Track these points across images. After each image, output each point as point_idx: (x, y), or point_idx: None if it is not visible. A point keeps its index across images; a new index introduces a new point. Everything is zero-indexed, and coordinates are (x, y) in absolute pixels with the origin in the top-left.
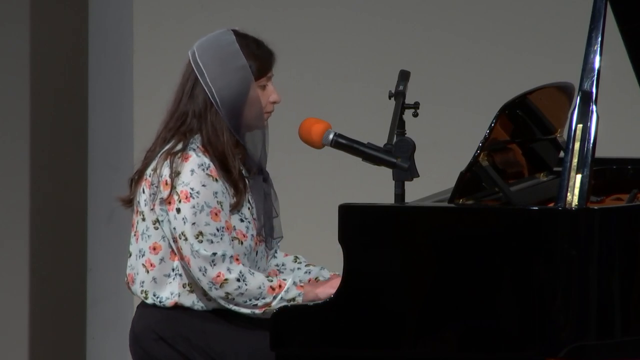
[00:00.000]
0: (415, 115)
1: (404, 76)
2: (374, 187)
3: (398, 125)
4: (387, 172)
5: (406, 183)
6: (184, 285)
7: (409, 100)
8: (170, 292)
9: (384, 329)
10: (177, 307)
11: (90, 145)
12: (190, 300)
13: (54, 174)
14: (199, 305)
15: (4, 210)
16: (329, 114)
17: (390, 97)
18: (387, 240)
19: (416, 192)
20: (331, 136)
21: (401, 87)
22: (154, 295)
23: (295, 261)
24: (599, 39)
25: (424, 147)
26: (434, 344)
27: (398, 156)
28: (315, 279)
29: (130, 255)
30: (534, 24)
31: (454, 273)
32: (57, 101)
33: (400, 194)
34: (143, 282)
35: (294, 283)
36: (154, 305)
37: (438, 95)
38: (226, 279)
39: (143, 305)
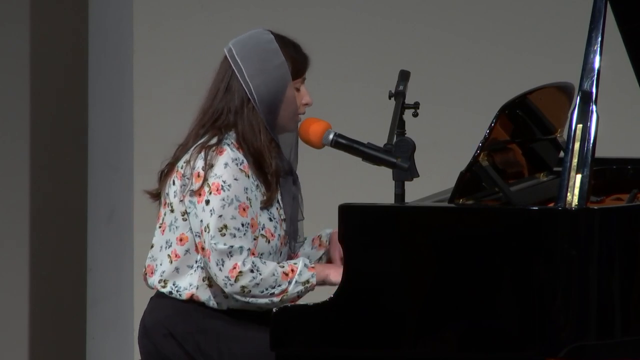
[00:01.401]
0: (415, 115)
1: (404, 76)
2: (374, 187)
3: (398, 125)
4: (387, 172)
5: (406, 183)
6: (203, 279)
7: (409, 100)
8: (189, 283)
9: (384, 329)
10: (192, 301)
11: (90, 145)
12: (206, 295)
13: (54, 174)
14: (214, 301)
15: (4, 210)
16: (329, 114)
17: (390, 97)
18: (387, 240)
19: (416, 192)
20: (331, 136)
21: (401, 87)
22: (173, 284)
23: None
24: (599, 39)
25: (424, 147)
26: (434, 344)
27: (398, 156)
28: (319, 236)
29: (153, 246)
30: (534, 24)
31: (454, 273)
32: (57, 101)
33: (400, 194)
34: (164, 271)
35: (305, 265)
36: (169, 295)
37: (438, 95)
38: (241, 272)
39: (157, 296)
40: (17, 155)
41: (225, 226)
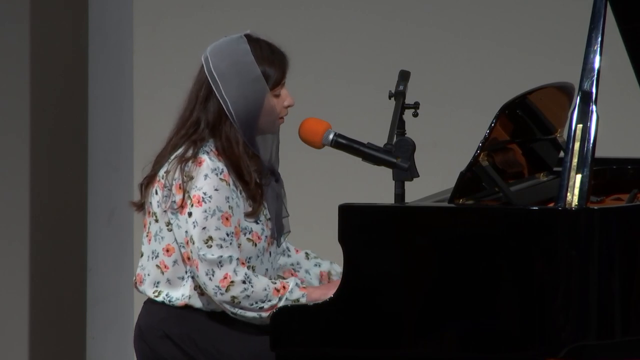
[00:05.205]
0: (415, 115)
1: (404, 76)
2: (374, 187)
3: (398, 125)
4: (387, 172)
5: (406, 183)
6: (195, 288)
7: (409, 100)
8: (182, 294)
9: (384, 329)
10: (187, 307)
11: (90, 145)
12: (200, 302)
13: (54, 174)
14: (209, 307)
15: (4, 210)
16: (329, 114)
17: (390, 97)
18: (387, 240)
19: (416, 192)
20: (331, 136)
21: (401, 87)
22: (166, 295)
23: (307, 258)
24: (599, 39)
25: (424, 147)
26: (434, 344)
27: (398, 156)
28: (328, 273)
29: (142, 255)
30: (534, 24)
31: (454, 273)
32: (57, 101)
33: (400, 194)
34: (158, 282)
35: (297, 284)
36: (162, 303)
37: (438, 95)
38: (232, 282)
39: (151, 301)
40: (17, 155)
41: (211, 237)
